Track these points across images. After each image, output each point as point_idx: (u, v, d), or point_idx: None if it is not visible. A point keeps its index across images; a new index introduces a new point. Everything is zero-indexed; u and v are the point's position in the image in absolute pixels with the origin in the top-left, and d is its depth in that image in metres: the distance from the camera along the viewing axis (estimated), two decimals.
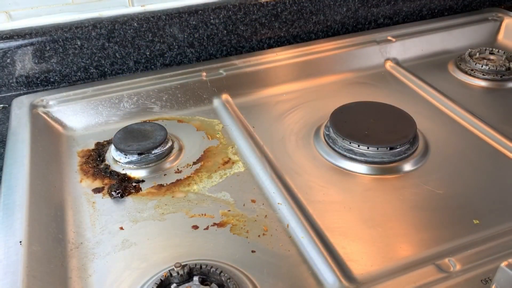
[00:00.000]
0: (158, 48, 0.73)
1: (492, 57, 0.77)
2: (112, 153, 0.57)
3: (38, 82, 0.70)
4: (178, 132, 0.63)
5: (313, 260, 0.44)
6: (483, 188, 0.52)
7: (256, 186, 0.53)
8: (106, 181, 0.54)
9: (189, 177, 0.55)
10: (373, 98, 0.65)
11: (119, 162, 0.56)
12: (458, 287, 0.39)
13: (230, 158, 0.58)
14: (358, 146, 0.56)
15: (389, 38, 0.79)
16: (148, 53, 0.73)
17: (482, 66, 0.74)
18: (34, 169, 0.52)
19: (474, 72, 0.74)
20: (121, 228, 0.48)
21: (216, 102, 0.69)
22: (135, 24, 0.70)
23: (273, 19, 0.78)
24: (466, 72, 0.74)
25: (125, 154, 0.56)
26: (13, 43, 0.66)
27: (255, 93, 0.71)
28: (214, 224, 0.48)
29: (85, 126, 0.64)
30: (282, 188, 0.52)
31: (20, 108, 0.63)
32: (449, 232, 0.47)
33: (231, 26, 0.75)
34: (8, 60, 0.67)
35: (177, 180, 0.55)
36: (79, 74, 0.71)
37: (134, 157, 0.56)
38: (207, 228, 0.48)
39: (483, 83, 0.73)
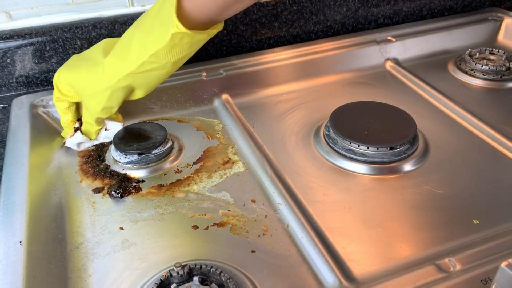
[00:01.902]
0: None
1: (492, 57, 0.77)
2: (112, 153, 0.57)
3: (38, 82, 0.70)
4: (178, 132, 0.63)
5: (313, 260, 0.44)
6: (483, 188, 0.53)
7: (256, 186, 0.53)
8: (106, 181, 0.54)
9: (189, 177, 0.55)
10: (373, 98, 0.65)
11: (119, 162, 0.56)
12: (458, 287, 0.39)
13: (230, 158, 0.58)
14: (358, 146, 0.56)
15: (389, 38, 0.79)
16: None
17: (482, 66, 0.74)
18: (34, 169, 0.52)
19: (474, 72, 0.74)
20: (121, 228, 0.48)
21: (216, 102, 0.69)
22: None
23: (273, 19, 0.78)
24: (466, 72, 0.74)
25: (125, 154, 0.56)
26: (13, 43, 0.66)
27: (255, 93, 0.71)
28: (214, 224, 0.48)
29: None
30: (282, 188, 0.52)
31: (20, 108, 0.63)
32: (449, 232, 0.47)
33: (231, 26, 0.75)
34: (8, 60, 0.67)
35: (177, 180, 0.55)
36: None
37: (134, 157, 0.56)
38: (207, 228, 0.48)
39: (483, 83, 0.73)
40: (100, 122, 0.58)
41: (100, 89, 0.53)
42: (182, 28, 0.49)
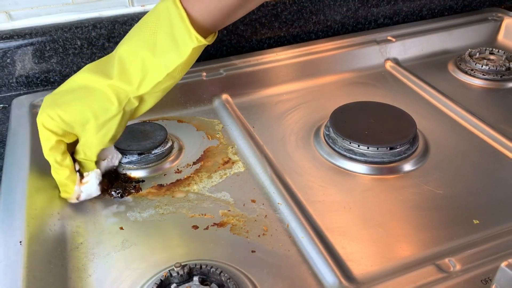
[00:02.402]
0: None
1: (492, 57, 0.77)
2: None
3: (38, 82, 0.70)
4: (178, 132, 0.63)
5: (313, 260, 0.44)
6: (483, 188, 0.53)
7: (256, 186, 0.53)
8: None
9: (189, 177, 0.55)
10: (373, 98, 0.65)
11: (119, 162, 0.56)
12: (458, 287, 0.39)
13: (230, 158, 0.58)
14: (358, 146, 0.56)
15: (389, 38, 0.79)
16: None
17: (482, 66, 0.74)
18: (34, 169, 0.52)
19: (474, 72, 0.74)
20: (121, 228, 0.48)
21: (216, 102, 0.69)
22: (135, 24, 0.70)
23: (273, 19, 0.78)
24: (466, 72, 0.74)
25: (125, 154, 0.56)
26: (13, 43, 0.66)
27: (255, 93, 0.71)
28: (214, 224, 0.48)
29: None
30: (282, 188, 0.52)
31: (20, 108, 0.63)
32: (449, 232, 0.47)
33: (231, 26, 0.75)
34: (8, 60, 0.67)
35: (177, 180, 0.55)
36: None
37: (134, 157, 0.56)
38: (207, 228, 0.48)
39: (483, 83, 0.73)
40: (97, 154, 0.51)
41: (108, 117, 0.48)
42: (202, 41, 0.46)
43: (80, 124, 0.48)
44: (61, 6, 0.69)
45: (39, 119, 0.48)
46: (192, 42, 0.46)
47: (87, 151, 0.50)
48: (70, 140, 0.49)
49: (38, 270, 0.41)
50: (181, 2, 0.46)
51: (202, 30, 0.48)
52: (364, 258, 0.44)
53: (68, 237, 0.47)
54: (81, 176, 0.51)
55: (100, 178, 0.51)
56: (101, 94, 0.47)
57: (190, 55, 0.47)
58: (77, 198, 0.50)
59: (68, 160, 0.49)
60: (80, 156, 0.50)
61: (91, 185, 0.50)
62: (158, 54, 0.47)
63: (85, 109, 0.47)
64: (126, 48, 0.48)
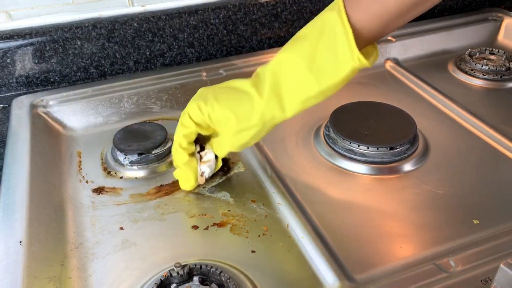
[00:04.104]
0: (158, 48, 0.73)
1: (492, 57, 0.77)
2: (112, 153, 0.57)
3: (38, 82, 0.70)
4: None
5: (313, 260, 0.44)
6: (483, 188, 0.53)
7: (256, 186, 0.53)
8: None
9: None
10: (373, 98, 0.65)
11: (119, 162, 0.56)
12: (458, 287, 0.39)
13: (230, 158, 0.58)
14: (358, 146, 0.56)
15: (389, 38, 0.79)
16: (148, 53, 0.73)
17: (482, 66, 0.74)
18: (34, 169, 0.52)
19: (474, 72, 0.74)
20: (121, 228, 0.48)
21: None
22: (135, 24, 0.70)
23: (273, 19, 0.78)
24: (466, 72, 0.74)
25: (125, 154, 0.56)
26: (13, 43, 0.66)
27: None
28: (214, 224, 0.48)
29: (85, 126, 0.64)
30: (282, 188, 0.52)
31: (20, 108, 0.63)
32: (449, 232, 0.47)
33: (231, 26, 0.76)
34: (8, 60, 0.67)
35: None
36: (79, 74, 0.71)
37: (134, 157, 0.56)
38: (207, 228, 0.48)
39: (483, 83, 0.73)
40: None
41: (248, 126, 0.48)
42: (363, 61, 0.42)
43: (223, 123, 0.49)
44: (61, 6, 0.69)
45: (188, 108, 0.50)
46: (353, 62, 0.42)
47: (219, 148, 0.52)
48: (206, 132, 0.51)
49: (38, 270, 0.41)
50: (346, 13, 0.42)
51: (360, 43, 0.43)
52: (364, 258, 0.44)
53: (68, 237, 0.47)
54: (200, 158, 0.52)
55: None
56: (249, 104, 0.47)
57: (347, 75, 0.44)
58: (202, 175, 0.52)
59: (192, 148, 0.51)
60: (212, 148, 0.52)
61: (212, 163, 0.52)
62: (314, 68, 0.44)
63: (231, 112, 0.48)
64: (282, 60, 0.46)
